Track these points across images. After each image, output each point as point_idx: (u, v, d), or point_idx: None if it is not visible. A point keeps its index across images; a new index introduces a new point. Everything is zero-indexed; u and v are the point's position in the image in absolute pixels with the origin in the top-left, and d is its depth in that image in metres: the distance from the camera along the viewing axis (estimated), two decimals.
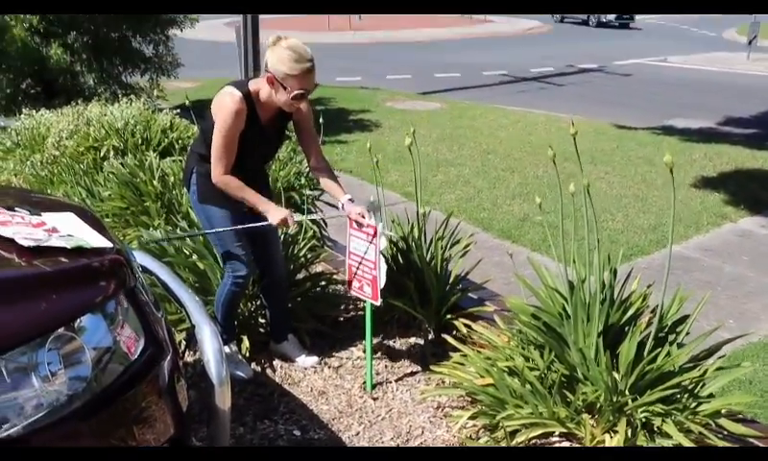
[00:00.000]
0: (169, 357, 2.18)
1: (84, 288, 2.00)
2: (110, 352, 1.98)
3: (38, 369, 1.74)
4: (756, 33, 20.24)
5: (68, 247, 2.07)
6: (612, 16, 32.64)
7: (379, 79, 16.62)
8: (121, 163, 5.21)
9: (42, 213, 2.34)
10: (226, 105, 3.15)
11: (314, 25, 31.49)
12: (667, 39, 28.12)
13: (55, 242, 2.08)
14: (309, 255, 4.35)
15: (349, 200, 3.38)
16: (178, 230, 4.03)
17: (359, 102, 13.24)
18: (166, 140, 5.98)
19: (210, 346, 2.33)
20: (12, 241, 2.03)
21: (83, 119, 6.45)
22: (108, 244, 2.21)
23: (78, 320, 1.91)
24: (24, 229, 2.13)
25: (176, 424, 2.15)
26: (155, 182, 4.79)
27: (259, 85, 3.25)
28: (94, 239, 2.20)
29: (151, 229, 4.28)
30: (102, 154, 5.82)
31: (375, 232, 3.28)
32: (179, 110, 7.02)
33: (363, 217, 3.32)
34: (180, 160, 5.11)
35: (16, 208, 2.32)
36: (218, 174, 3.22)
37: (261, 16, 15.11)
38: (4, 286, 1.85)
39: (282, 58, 3.11)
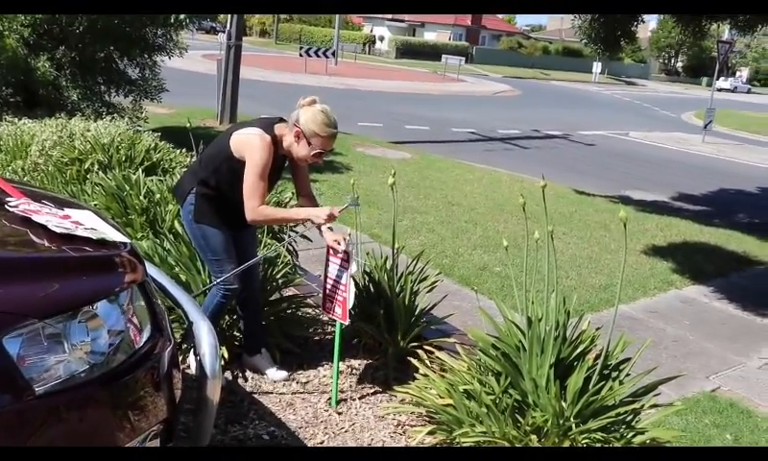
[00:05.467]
0: (170, 348, 2.44)
1: (106, 275, 2.26)
2: (122, 335, 2.23)
3: (69, 337, 1.99)
4: (712, 118, 21.33)
5: (93, 238, 2.33)
6: None
7: (351, 124, 16.95)
8: (108, 176, 5.41)
9: (65, 208, 2.59)
10: (258, 146, 3.46)
11: (292, 66, 32.18)
12: (631, 115, 29.21)
13: (81, 233, 2.34)
14: (283, 280, 4.61)
15: (329, 228, 3.69)
16: (165, 244, 4.26)
17: None
18: (149, 160, 6.21)
19: (207, 340, 2.58)
20: (44, 227, 2.29)
21: (66, 132, 6.64)
22: (125, 239, 2.47)
23: (96, 303, 2.16)
24: (54, 218, 2.38)
25: (169, 407, 2.40)
26: (141, 197, 5.01)
27: (284, 133, 3.60)
28: (113, 234, 2.46)
29: (135, 240, 4.51)
30: (86, 166, 6.00)
31: (348, 258, 3.59)
32: (159, 134, 7.25)
33: (338, 244, 3.62)
34: (163, 180, 5.35)
35: (43, 201, 2.57)
36: (253, 207, 3.46)
37: (243, 53, 15.50)
38: (46, 263, 2.11)
39: (316, 118, 3.50)
